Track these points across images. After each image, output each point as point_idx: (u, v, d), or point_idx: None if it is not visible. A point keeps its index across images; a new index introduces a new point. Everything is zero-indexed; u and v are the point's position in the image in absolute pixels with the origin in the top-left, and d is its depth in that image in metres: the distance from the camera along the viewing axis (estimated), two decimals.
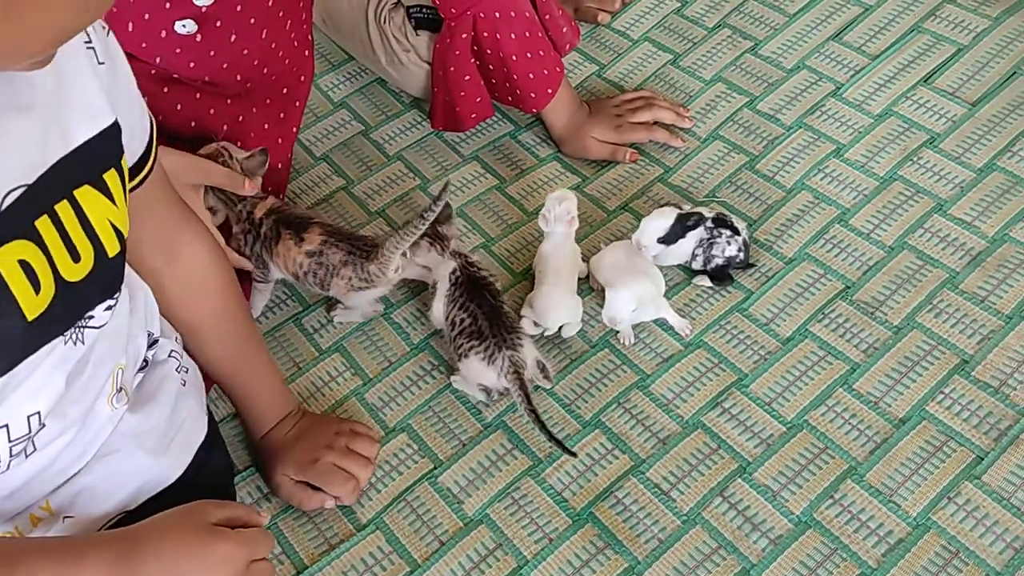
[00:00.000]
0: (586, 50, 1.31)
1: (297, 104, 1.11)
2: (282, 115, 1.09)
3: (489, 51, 1.13)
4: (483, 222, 1.13)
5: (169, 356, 0.78)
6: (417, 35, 1.21)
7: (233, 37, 0.96)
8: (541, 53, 1.14)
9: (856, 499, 0.86)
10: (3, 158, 0.54)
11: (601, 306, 1.02)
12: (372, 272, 0.95)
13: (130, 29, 0.92)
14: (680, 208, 1.01)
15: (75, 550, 0.61)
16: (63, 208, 0.58)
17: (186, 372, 0.81)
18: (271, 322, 1.06)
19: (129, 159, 0.66)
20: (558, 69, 1.16)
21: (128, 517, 0.71)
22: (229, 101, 1.03)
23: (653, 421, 0.93)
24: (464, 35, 1.13)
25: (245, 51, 0.98)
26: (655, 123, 1.17)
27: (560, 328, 0.98)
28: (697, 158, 1.16)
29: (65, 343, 0.62)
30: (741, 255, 1.01)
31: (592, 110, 1.19)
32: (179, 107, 1.01)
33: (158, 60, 0.95)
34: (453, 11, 1.12)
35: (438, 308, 0.95)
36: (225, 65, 0.98)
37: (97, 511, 0.70)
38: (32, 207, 0.56)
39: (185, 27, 0.93)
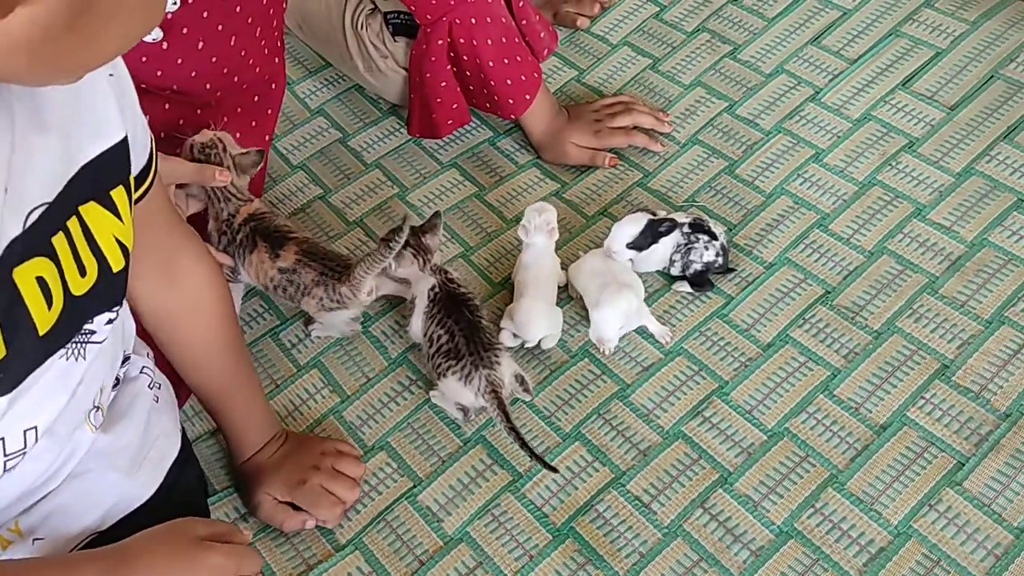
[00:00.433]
0: (565, 55, 1.30)
1: (269, 112, 1.10)
2: (254, 123, 1.08)
3: (466, 57, 1.12)
4: (462, 230, 1.12)
5: (141, 372, 0.77)
6: (395, 41, 1.20)
7: (200, 44, 0.94)
8: (518, 59, 1.13)
9: (837, 508, 0.85)
10: (29, 176, 0.54)
11: (580, 315, 1.01)
12: (344, 294, 0.95)
13: None
14: (654, 214, 1.01)
15: (65, 565, 0.61)
16: (72, 224, 0.59)
17: (159, 388, 0.80)
18: (248, 337, 1.04)
19: (132, 171, 0.66)
20: (536, 75, 1.15)
21: (100, 538, 0.70)
22: (199, 111, 1.02)
23: (633, 432, 0.93)
24: (440, 41, 1.12)
25: (214, 59, 0.96)
26: (634, 128, 1.17)
27: (540, 340, 0.97)
28: (676, 163, 1.15)
29: (67, 359, 0.62)
30: (720, 260, 1.00)
31: (571, 115, 1.18)
32: (148, 117, 0.99)
33: None
34: (428, 17, 1.10)
35: (416, 324, 0.94)
36: (193, 73, 0.96)
37: (68, 532, 0.69)
38: (50, 224, 0.56)
39: (151, 34, 0.91)
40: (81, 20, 0.43)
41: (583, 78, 1.27)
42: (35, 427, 0.62)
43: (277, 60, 1.08)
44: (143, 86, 0.95)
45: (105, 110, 0.61)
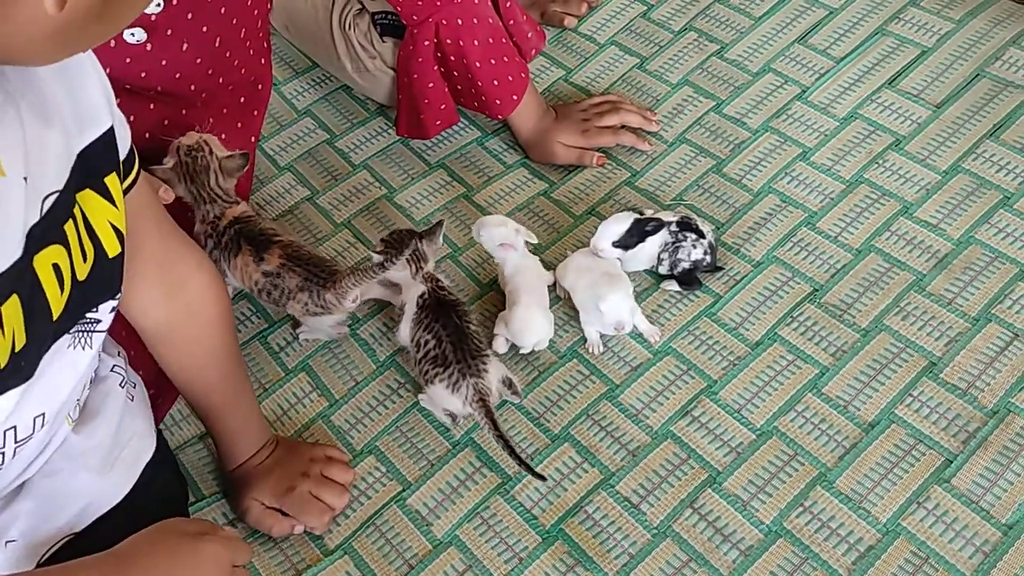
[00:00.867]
0: (553, 54, 1.30)
1: (256, 113, 1.09)
2: (240, 124, 1.07)
3: (453, 58, 1.12)
4: (450, 231, 1.11)
5: (111, 371, 0.77)
6: (383, 42, 1.19)
7: (185, 46, 0.94)
8: (505, 59, 1.13)
9: (826, 506, 0.85)
10: (42, 165, 0.56)
11: (569, 315, 1.01)
12: (328, 300, 0.94)
13: None
14: (640, 213, 1.01)
15: (61, 573, 0.61)
16: (76, 211, 0.60)
17: (133, 387, 0.79)
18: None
19: (121, 154, 0.67)
20: (523, 75, 1.15)
21: (76, 539, 0.70)
22: (184, 111, 1.01)
23: (622, 432, 0.93)
24: (427, 42, 1.11)
25: (198, 60, 0.96)
26: (622, 127, 1.17)
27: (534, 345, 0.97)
28: (664, 162, 1.15)
29: (75, 347, 0.63)
30: (708, 258, 1.00)
31: (559, 115, 1.18)
32: (132, 118, 0.98)
33: (108, 71, 0.92)
34: (415, 18, 1.10)
35: (404, 330, 0.94)
36: (178, 75, 0.96)
37: (41, 534, 0.68)
38: (62, 211, 0.58)
39: (134, 36, 0.91)
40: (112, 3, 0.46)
41: (571, 77, 1.27)
42: (43, 413, 0.63)
43: (263, 61, 1.07)
44: (127, 87, 0.95)
45: (94, 98, 0.62)
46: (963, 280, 0.99)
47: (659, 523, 0.86)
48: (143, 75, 0.94)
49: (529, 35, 1.22)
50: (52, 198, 0.57)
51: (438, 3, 1.08)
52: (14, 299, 0.54)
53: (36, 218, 0.55)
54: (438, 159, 1.20)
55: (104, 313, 0.65)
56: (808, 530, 0.84)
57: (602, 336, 0.99)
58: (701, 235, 1.00)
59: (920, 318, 0.97)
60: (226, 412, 0.85)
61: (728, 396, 0.94)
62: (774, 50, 1.25)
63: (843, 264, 1.03)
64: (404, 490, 0.91)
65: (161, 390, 0.94)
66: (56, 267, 0.58)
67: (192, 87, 0.98)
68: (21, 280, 0.54)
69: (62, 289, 0.58)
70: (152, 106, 0.98)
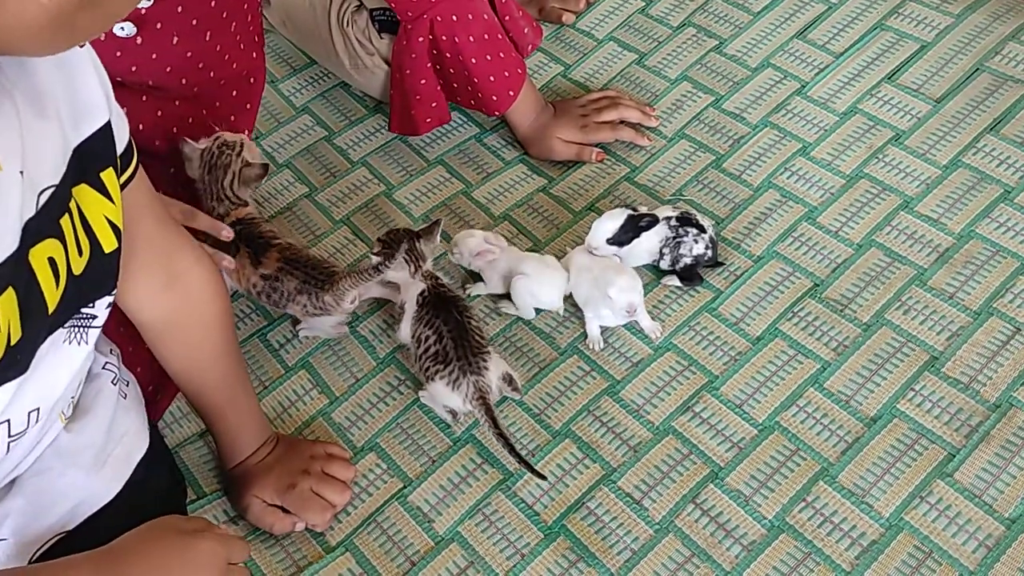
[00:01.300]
0: (551, 50, 1.30)
1: (248, 107, 1.09)
2: (233, 118, 1.07)
3: (448, 54, 1.11)
4: (448, 227, 1.11)
5: (103, 368, 0.77)
6: (381, 38, 1.19)
7: (175, 39, 0.94)
8: (501, 55, 1.13)
9: (828, 501, 0.85)
10: (39, 158, 0.56)
11: (569, 311, 1.01)
12: (327, 302, 0.94)
13: None
14: (635, 210, 1.00)
15: (53, 570, 0.61)
16: (71, 205, 0.60)
17: (126, 385, 0.79)
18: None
19: (118, 148, 0.66)
20: (519, 71, 1.14)
21: (67, 537, 0.69)
22: (177, 103, 1.01)
23: (624, 428, 0.92)
24: (421, 38, 1.11)
25: (188, 54, 0.96)
26: (621, 122, 1.16)
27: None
28: (663, 157, 1.15)
29: (70, 342, 0.63)
30: (709, 252, 1.00)
31: (557, 111, 1.18)
32: (125, 110, 0.98)
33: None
34: (409, 14, 1.10)
35: (405, 329, 0.94)
36: (168, 68, 0.95)
37: (32, 532, 0.68)
38: (57, 206, 0.58)
39: (124, 29, 0.90)
40: None
41: (569, 73, 1.27)
42: (38, 408, 0.63)
43: (255, 55, 1.07)
44: (118, 80, 0.95)
45: (91, 92, 0.61)
46: (964, 274, 0.99)
47: (661, 519, 0.86)
48: (133, 69, 0.94)
49: (525, 31, 1.22)
50: (48, 192, 0.56)
51: None
52: (10, 292, 0.54)
53: (32, 212, 0.55)
54: (436, 155, 1.19)
55: (100, 309, 0.65)
56: (811, 525, 0.84)
57: (603, 332, 0.99)
58: (702, 230, 1.00)
59: (921, 312, 0.97)
60: (226, 409, 0.85)
61: (730, 391, 0.94)
62: (773, 45, 1.25)
63: (844, 259, 1.02)
64: (405, 487, 0.91)
65: (160, 386, 0.93)
66: (52, 261, 0.58)
67: (183, 81, 0.98)
68: (17, 273, 0.54)
69: (57, 283, 0.58)
70: (144, 98, 0.98)
